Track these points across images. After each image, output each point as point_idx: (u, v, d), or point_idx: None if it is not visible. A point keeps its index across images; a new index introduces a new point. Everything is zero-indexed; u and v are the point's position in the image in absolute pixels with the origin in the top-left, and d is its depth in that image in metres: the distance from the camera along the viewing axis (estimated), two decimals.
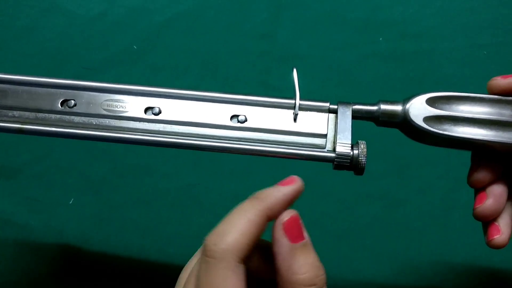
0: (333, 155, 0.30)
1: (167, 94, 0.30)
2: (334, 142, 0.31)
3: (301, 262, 0.25)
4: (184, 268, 0.27)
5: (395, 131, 0.46)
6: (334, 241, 0.43)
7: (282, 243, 0.25)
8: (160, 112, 0.30)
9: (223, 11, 0.48)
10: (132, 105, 0.30)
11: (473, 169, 0.33)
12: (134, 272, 0.41)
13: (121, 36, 0.47)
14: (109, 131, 0.29)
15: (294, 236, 0.26)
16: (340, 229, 0.44)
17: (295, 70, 0.31)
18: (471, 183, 0.34)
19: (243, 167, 0.44)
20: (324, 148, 0.31)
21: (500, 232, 0.33)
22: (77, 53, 0.46)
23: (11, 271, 0.42)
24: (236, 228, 0.25)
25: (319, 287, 0.25)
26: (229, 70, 0.47)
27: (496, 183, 0.32)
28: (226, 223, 0.25)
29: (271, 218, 0.26)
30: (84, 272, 0.42)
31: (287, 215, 0.26)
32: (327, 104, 0.31)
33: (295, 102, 0.31)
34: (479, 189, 0.33)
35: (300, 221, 0.26)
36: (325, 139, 0.31)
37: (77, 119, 0.30)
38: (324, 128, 0.31)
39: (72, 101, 0.30)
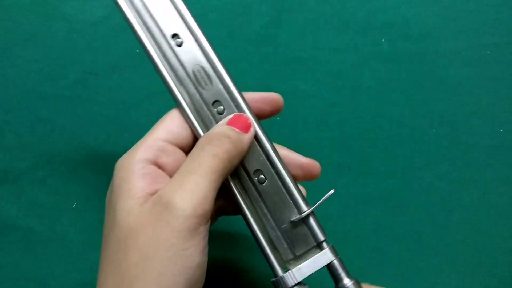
0: (279, 271, 0.30)
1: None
2: (291, 264, 0.31)
3: (216, 129, 0.30)
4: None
5: (396, 131, 0.46)
6: (337, 244, 0.43)
7: (221, 123, 0.31)
8: None
9: (224, 14, 0.48)
10: None
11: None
12: None
13: (123, 40, 0.47)
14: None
15: (234, 123, 0.31)
16: (343, 232, 0.44)
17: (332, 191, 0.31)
18: None
19: None
20: (284, 257, 0.31)
21: None
22: (80, 58, 0.46)
23: (15, 275, 0.42)
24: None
25: (215, 144, 0.29)
26: (230, 74, 0.47)
27: None
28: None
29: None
30: (88, 276, 0.42)
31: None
32: (322, 238, 0.31)
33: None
34: None
35: (246, 119, 0.31)
36: (290, 253, 0.31)
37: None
38: (303, 246, 0.31)
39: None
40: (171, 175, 0.30)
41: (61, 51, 0.46)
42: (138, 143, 0.30)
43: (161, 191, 0.28)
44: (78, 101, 0.45)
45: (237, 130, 0.30)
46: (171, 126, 0.31)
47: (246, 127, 0.31)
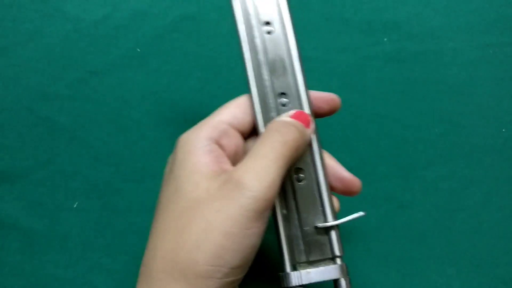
0: (287, 267, 0.30)
1: None
2: (301, 266, 0.31)
3: (280, 121, 0.31)
4: None
5: (399, 131, 0.46)
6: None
7: (284, 115, 0.32)
8: None
9: (225, 14, 0.48)
10: None
11: None
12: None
13: (125, 39, 0.47)
14: None
15: (298, 117, 0.32)
16: (345, 232, 0.44)
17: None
18: None
19: None
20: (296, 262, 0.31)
21: None
22: (81, 57, 0.46)
23: (15, 275, 0.42)
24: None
25: (282, 131, 0.30)
26: (232, 73, 0.47)
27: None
28: None
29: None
30: (88, 276, 0.42)
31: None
32: (339, 254, 0.31)
33: None
34: None
35: (307, 116, 0.32)
36: (304, 256, 0.31)
37: None
38: (318, 254, 0.31)
39: None
40: (229, 156, 0.31)
41: (62, 50, 0.46)
42: (201, 122, 0.32)
43: (232, 171, 0.29)
44: (79, 100, 0.45)
45: (301, 123, 0.31)
46: (236, 111, 0.33)
47: (308, 123, 0.32)
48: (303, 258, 0.31)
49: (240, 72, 0.46)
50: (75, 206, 0.43)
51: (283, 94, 0.33)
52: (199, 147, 0.30)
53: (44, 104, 0.45)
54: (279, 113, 0.32)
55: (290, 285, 0.30)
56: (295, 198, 0.32)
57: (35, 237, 0.42)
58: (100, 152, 0.44)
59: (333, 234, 0.31)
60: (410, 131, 0.46)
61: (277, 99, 0.32)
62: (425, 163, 0.45)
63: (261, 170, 0.28)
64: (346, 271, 0.31)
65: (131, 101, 0.45)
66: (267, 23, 0.33)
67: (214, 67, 0.47)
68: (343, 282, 0.31)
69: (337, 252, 0.31)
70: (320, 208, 0.32)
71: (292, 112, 0.32)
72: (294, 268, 0.31)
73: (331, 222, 0.31)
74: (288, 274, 0.30)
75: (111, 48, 0.46)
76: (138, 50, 0.47)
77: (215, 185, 0.28)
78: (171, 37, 0.47)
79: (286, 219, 0.31)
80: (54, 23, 0.46)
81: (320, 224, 0.31)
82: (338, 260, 0.31)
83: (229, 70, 0.47)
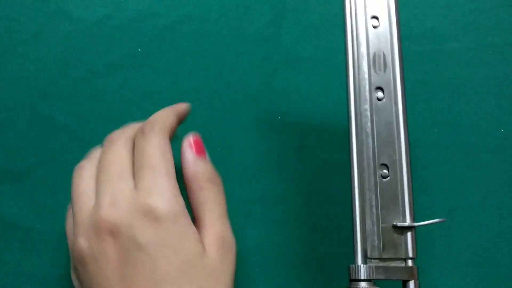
0: (359, 259, 0.31)
1: None
2: (372, 262, 0.31)
3: (202, 167, 0.33)
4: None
5: None
6: (337, 244, 0.43)
7: (189, 153, 0.33)
8: None
9: (226, 14, 0.48)
10: None
11: None
12: None
13: (126, 39, 0.47)
14: None
15: (198, 151, 0.34)
16: (345, 231, 0.44)
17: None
18: None
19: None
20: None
21: None
22: (83, 57, 0.46)
23: (16, 274, 0.42)
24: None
25: (215, 178, 0.33)
26: (233, 73, 0.47)
27: None
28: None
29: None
30: None
31: (193, 135, 0.34)
32: (412, 255, 0.31)
33: None
34: None
35: (202, 143, 0.35)
36: (377, 252, 0.31)
37: None
38: (391, 253, 0.31)
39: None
40: None
41: (63, 50, 0.46)
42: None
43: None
44: (80, 100, 0.45)
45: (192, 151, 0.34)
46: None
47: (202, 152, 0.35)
48: (376, 254, 0.31)
49: (241, 72, 0.47)
50: None
51: (379, 88, 0.33)
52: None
53: (45, 103, 0.45)
54: (372, 107, 0.32)
55: (360, 278, 0.30)
56: (376, 193, 0.32)
57: (35, 236, 0.42)
58: None
59: (409, 235, 0.31)
60: (410, 131, 0.46)
61: (373, 93, 0.33)
62: (424, 162, 0.45)
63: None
64: (417, 274, 0.31)
65: (132, 101, 0.45)
66: (374, 17, 0.34)
67: (215, 67, 0.47)
68: (412, 285, 0.31)
69: (410, 253, 0.31)
70: (401, 208, 0.31)
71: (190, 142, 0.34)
72: (365, 262, 0.31)
73: (410, 223, 0.31)
74: (359, 266, 0.30)
75: (112, 48, 0.47)
76: (139, 50, 0.47)
77: None
78: (172, 37, 0.47)
79: (365, 213, 0.31)
80: (56, 23, 0.47)
81: (399, 223, 0.31)
82: (410, 262, 0.31)
83: (230, 71, 0.47)
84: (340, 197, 0.44)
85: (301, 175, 0.44)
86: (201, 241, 0.30)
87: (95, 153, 0.34)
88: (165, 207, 0.29)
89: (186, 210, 0.30)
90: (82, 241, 0.31)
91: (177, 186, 0.31)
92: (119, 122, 0.45)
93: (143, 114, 0.45)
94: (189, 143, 0.33)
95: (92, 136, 0.44)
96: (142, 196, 0.29)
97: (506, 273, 0.43)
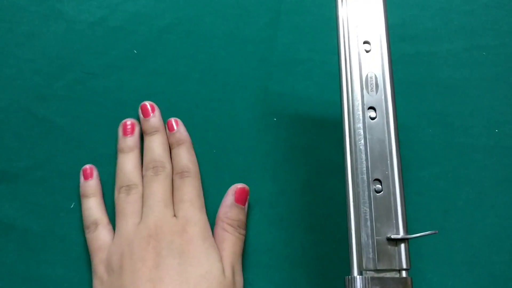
0: (355, 271, 0.31)
1: None
2: (367, 273, 0.31)
3: (234, 212, 0.40)
4: None
5: None
6: (335, 244, 0.43)
7: (229, 198, 0.41)
8: None
9: (222, 16, 0.48)
10: None
11: None
12: None
13: (121, 41, 0.47)
14: None
15: (238, 199, 0.41)
16: (341, 232, 0.44)
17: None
18: None
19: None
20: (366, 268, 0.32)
21: None
22: (78, 58, 0.46)
23: (11, 276, 0.42)
24: None
25: (239, 227, 0.40)
26: (229, 75, 0.47)
27: None
28: None
29: None
30: (86, 277, 0.42)
31: (241, 185, 0.42)
32: (406, 266, 0.32)
33: None
34: None
35: (247, 194, 0.42)
36: (372, 263, 0.32)
37: None
38: (386, 264, 0.32)
39: None
40: None
41: (59, 51, 0.46)
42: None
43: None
44: (77, 101, 0.45)
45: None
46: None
47: (244, 201, 0.42)
48: (371, 265, 0.32)
49: (236, 74, 0.47)
50: (72, 206, 0.43)
51: (372, 108, 0.34)
52: None
53: (41, 105, 0.45)
54: (365, 125, 0.33)
55: None
56: (370, 207, 0.32)
57: (32, 238, 0.42)
58: (97, 153, 0.44)
59: (403, 247, 0.32)
60: (404, 132, 0.46)
61: (365, 112, 0.34)
62: (418, 163, 0.46)
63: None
64: (411, 284, 0.32)
65: (127, 102, 0.46)
66: (366, 42, 0.35)
67: (211, 69, 0.47)
68: None
69: (404, 265, 0.32)
70: (394, 221, 0.32)
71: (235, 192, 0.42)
72: (360, 273, 0.31)
73: (403, 235, 0.32)
74: (355, 277, 0.31)
75: (108, 50, 0.47)
76: (135, 51, 0.47)
77: None
78: (168, 38, 0.47)
79: (360, 226, 0.32)
80: (51, 24, 0.47)
81: (393, 236, 0.32)
82: (404, 273, 0.32)
83: (226, 73, 0.47)
84: (335, 198, 0.44)
85: (297, 177, 0.45)
86: (221, 261, 0.38)
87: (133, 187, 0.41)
88: (198, 234, 0.38)
89: (213, 239, 0.39)
90: (126, 249, 0.38)
91: (207, 218, 0.40)
92: (115, 124, 0.45)
93: (138, 115, 0.45)
94: (235, 189, 0.41)
95: (88, 137, 0.45)
96: (181, 223, 0.38)
97: (499, 273, 0.43)
